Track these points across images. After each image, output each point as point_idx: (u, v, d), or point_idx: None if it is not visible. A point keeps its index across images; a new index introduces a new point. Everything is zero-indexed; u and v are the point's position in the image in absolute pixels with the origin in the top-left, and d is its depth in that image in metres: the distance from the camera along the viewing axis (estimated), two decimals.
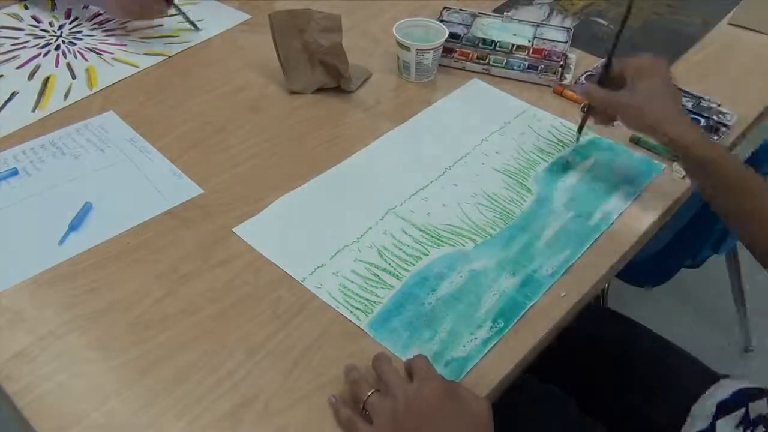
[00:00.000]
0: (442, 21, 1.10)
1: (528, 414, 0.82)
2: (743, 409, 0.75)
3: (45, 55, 1.10)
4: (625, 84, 0.79)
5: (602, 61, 0.80)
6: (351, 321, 0.72)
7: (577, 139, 0.92)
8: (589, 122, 0.89)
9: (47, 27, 1.16)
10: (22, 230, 0.81)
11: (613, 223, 0.82)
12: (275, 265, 0.77)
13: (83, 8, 1.19)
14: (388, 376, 0.63)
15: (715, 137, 0.93)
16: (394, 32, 1.00)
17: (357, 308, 0.73)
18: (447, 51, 1.06)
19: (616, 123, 0.83)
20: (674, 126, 0.74)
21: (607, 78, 0.81)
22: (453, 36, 1.08)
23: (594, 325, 0.96)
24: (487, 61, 1.06)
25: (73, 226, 0.81)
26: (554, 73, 1.04)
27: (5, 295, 0.73)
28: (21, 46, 1.11)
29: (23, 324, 0.71)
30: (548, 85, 1.04)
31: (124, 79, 1.04)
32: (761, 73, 1.07)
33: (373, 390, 0.62)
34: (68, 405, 0.64)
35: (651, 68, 0.78)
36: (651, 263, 1.16)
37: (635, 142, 0.94)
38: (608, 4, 1.24)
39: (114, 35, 1.14)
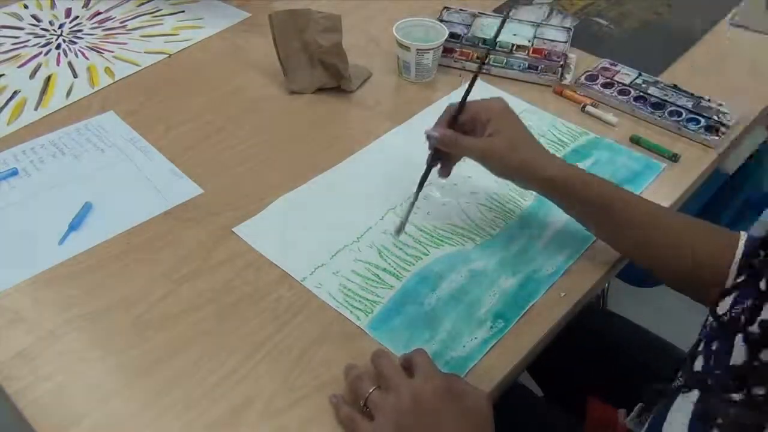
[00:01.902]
0: (442, 21, 1.10)
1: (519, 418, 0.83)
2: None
3: (46, 54, 1.10)
4: (472, 128, 0.75)
5: (454, 107, 0.75)
6: (351, 321, 0.72)
7: (418, 190, 0.77)
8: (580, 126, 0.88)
9: (47, 26, 1.16)
10: (22, 230, 0.81)
11: None
12: (275, 265, 0.77)
13: (83, 7, 1.19)
14: (388, 372, 0.63)
15: (716, 137, 0.93)
16: (394, 32, 1.00)
17: (357, 308, 0.73)
18: (447, 51, 1.07)
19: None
20: (546, 162, 0.73)
21: (456, 123, 0.75)
22: (453, 36, 1.08)
23: (593, 325, 0.96)
24: (487, 61, 1.06)
25: (73, 226, 0.81)
26: (554, 73, 1.04)
27: (5, 295, 0.73)
28: (22, 45, 1.11)
29: (23, 324, 0.71)
30: (548, 85, 1.04)
31: (125, 78, 1.04)
32: (761, 73, 1.07)
33: (374, 387, 0.62)
34: (68, 405, 0.64)
35: (501, 109, 0.75)
36: None
37: (635, 142, 0.94)
38: (608, 4, 1.24)
39: (114, 34, 1.14)
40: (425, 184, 0.78)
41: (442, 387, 0.61)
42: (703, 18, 1.19)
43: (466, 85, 0.76)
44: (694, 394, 0.52)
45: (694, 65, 1.09)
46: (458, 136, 0.75)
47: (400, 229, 0.78)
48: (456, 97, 1.01)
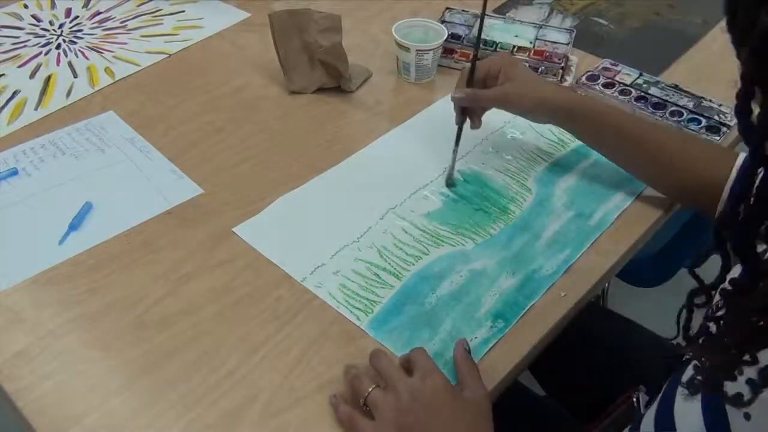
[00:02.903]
0: (443, 22, 1.10)
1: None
2: None
3: (46, 53, 1.10)
4: (488, 83, 0.85)
5: (468, 66, 0.85)
6: (351, 321, 0.72)
7: (456, 145, 0.87)
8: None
9: (47, 26, 1.16)
10: (22, 230, 0.81)
11: (613, 223, 0.82)
12: (275, 265, 0.77)
13: (83, 7, 1.19)
14: (387, 372, 0.63)
15: (717, 137, 0.93)
16: (394, 33, 1.00)
17: (357, 308, 0.73)
18: (447, 52, 1.06)
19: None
20: (555, 92, 0.82)
21: (472, 82, 0.85)
22: (454, 37, 1.08)
23: (593, 325, 0.96)
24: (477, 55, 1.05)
25: (73, 226, 0.81)
26: (555, 75, 1.03)
27: (5, 295, 0.73)
28: (22, 45, 1.11)
29: (23, 324, 0.71)
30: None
31: (125, 77, 1.04)
32: None
33: (373, 386, 0.62)
34: (68, 405, 0.64)
35: (507, 61, 0.86)
36: (651, 263, 1.16)
37: None
38: (608, 4, 1.24)
39: (114, 34, 1.14)
40: (454, 156, 0.87)
41: (441, 385, 0.61)
42: (704, 18, 1.19)
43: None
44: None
45: (695, 65, 1.09)
46: (477, 91, 0.84)
47: (449, 180, 0.87)
48: None
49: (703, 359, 0.50)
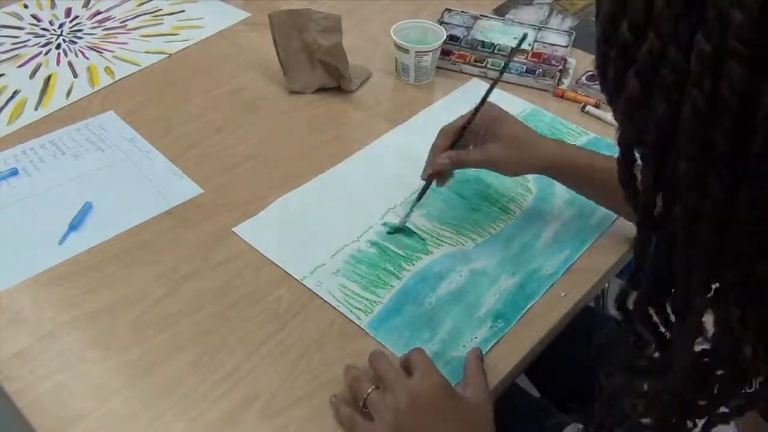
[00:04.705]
0: (443, 23, 1.10)
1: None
2: None
3: (46, 53, 1.10)
4: (469, 139, 0.79)
5: (451, 127, 0.79)
6: (351, 320, 0.72)
7: (414, 203, 0.81)
8: (586, 124, 0.88)
9: (47, 26, 1.16)
10: (22, 230, 0.81)
11: (613, 223, 0.82)
12: (275, 264, 0.77)
13: (83, 7, 1.19)
14: (386, 373, 0.63)
15: None
16: (392, 34, 1.00)
17: (357, 308, 0.73)
18: (445, 53, 1.06)
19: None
20: (543, 152, 0.77)
21: (456, 144, 0.79)
22: (452, 38, 1.08)
23: (591, 327, 0.95)
24: (484, 64, 1.06)
25: (73, 226, 0.81)
26: (552, 77, 1.03)
27: (5, 295, 0.73)
28: (22, 45, 1.11)
29: (23, 324, 0.71)
30: (546, 90, 1.03)
31: (125, 77, 1.04)
32: None
33: (372, 387, 0.62)
34: (68, 405, 0.64)
35: (494, 117, 0.78)
36: None
37: None
38: None
39: (114, 33, 1.14)
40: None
41: (440, 385, 0.61)
42: None
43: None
44: None
45: None
46: (461, 155, 0.78)
47: (397, 228, 0.81)
48: (456, 96, 1.02)
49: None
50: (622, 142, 0.38)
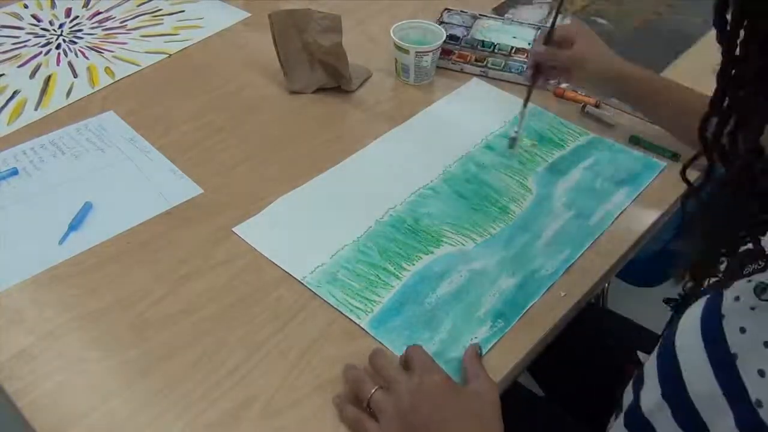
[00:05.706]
0: (442, 23, 1.10)
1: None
2: None
3: (46, 53, 1.10)
4: (563, 46, 0.92)
5: (545, 29, 0.94)
6: (351, 320, 0.72)
7: (524, 106, 0.92)
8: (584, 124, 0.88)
9: (47, 26, 1.16)
10: (22, 230, 0.81)
11: (613, 223, 0.82)
12: (275, 264, 0.77)
13: (83, 7, 1.19)
14: (387, 372, 0.63)
15: None
16: (392, 35, 1.00)
17: (357, 307, 0.73)
18: (445, 53, 1.06)
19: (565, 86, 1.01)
20: (621, 63, 0.90)
21: (549, 43, 0.92)
22: (452, 38, 1.08)
23: (593, 325, 0.96)
24: (485, 63, 1.06)
25: (73, 226, 0.81)
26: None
27: (5, 295, 0.73)
28: (22, 45, 1.11)
29: (23, 324, 0.71)
30: (546, 89, 1.03)
31: (125, 77, 1.04)
32: None
33: (376, 387, 0.62)
34: (68, 405, 0.64)
35: (579, 29, 0.93)
36: (651, 263, 1.16)
37: (635, 142, 0.94)
38: (608, 4, 1.24)
39: (114, 33, 1.14)
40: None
41: (441, 380, 0.61)
42: (704, 18, 1.19)
43: (551, 18, 0.94)
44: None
45: (695, 65, 1.09)
46: (553, 50, 0.92)
47: (513, 144, 0.90)
48: (456, 96, 1.01)
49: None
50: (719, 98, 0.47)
